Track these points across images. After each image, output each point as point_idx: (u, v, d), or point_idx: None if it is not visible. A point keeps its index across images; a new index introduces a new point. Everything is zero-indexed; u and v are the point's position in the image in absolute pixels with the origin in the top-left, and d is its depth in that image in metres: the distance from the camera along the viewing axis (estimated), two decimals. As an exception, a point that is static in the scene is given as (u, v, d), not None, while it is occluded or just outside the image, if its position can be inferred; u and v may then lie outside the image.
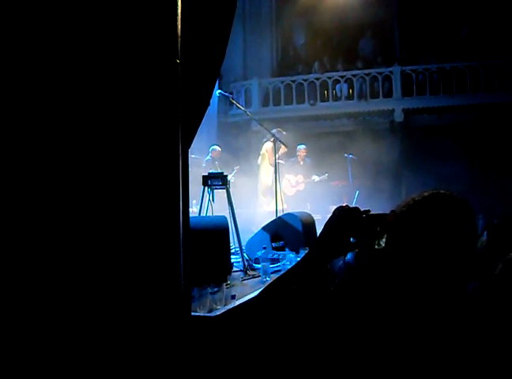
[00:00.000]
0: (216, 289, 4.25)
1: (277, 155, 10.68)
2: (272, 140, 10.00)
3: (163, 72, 2.33)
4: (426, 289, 1.66)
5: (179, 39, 2.40)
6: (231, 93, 12.05)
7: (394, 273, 1.74)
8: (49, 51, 2.20)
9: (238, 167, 12.33)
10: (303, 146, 13.64)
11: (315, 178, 13.28)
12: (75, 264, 2.31)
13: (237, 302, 4.30)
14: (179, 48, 2.40)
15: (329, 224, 1.97)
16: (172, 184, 2.40)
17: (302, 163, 13.49)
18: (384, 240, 1.84)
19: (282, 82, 18.50)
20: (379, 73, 17.77)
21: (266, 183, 11.99)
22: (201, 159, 12.20)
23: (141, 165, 2.31)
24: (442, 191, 1.75)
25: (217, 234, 5.35)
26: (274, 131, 10.82)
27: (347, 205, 1.96)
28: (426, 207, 1.71)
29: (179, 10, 2.41)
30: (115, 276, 2.36)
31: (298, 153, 13.51)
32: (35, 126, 2.27)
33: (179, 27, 2.40)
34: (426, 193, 1.75)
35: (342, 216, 1.93)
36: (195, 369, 3.03)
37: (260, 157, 12.38)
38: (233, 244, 6.32)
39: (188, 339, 2.67)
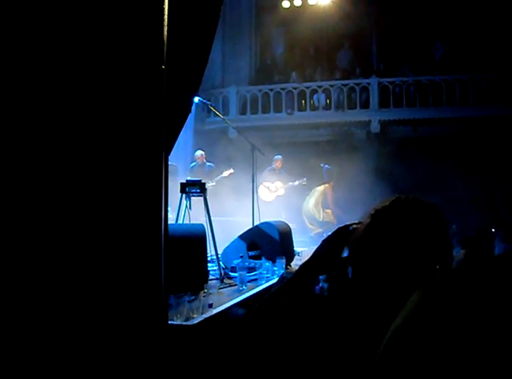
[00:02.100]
0: (193, 297, 4.22)
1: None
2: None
3: (148, 77, 2.31)
4: (396, 294, 1.65)
5: (165, 45, 2.38)
6: (209, 100, 12.01)
7: (365, 287, 1.72)
8: (34, 56, 2.16)
9: (231, 171, 12.38)
10: (279, 157, 13.73)
11: (295, 182, 13.38)
12: (54, 269, 2.27)
13: (214, 311, 4.27)
14: (165, 54, 2.38)
15: (326, 238, 1.97)
16: (155, 190, 2.37)
17: (277, 172, 13.61)
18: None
19: (260, 90, 18.52)
20: (357, 84, 17.87)
21: None
22: (177, 166, 12.13)
23: (124, 170, 2.28)
24: (402, 197, 1.74)
25: (194, 241, 5.33)
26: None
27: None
28: (389, 215, 1.69)
29: (166, 17, 2.38)
30: (94, 282, 2.32)
31: (274, 163, 13.60)
32: (11, 134, 2.23)
33: (165, 33, 2.38)
34: (387, 202, 1.73)
35: (337, 231, 1.92)
36: (172, 377, 3.00)
37: None
38: (209, 252, 6.29)
39: (165, 348, 2.64)
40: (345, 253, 1.93)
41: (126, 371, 2.37)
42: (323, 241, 2.01)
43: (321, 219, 13.43)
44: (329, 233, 2.01)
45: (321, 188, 13.87)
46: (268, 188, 13.39)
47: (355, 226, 1.92)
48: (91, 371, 2.33)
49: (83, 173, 2.24)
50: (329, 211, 13.75)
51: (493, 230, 14.68)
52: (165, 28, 2.40)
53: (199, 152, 13.00)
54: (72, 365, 2.30)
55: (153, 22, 2.34)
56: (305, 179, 13.49)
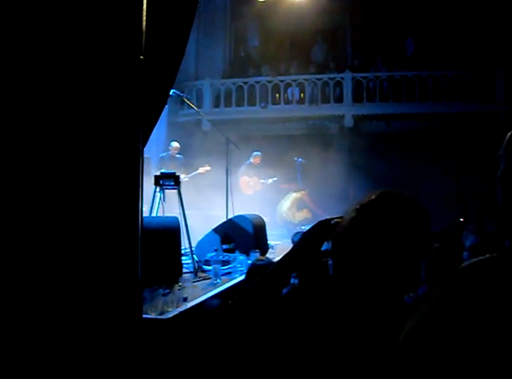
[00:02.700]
0: (167, 291, 4.19)
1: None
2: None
3: (126, 67, 2.27)
4: (378, 292, 1.65)
5: (143, 36, 2.35)
6: (183, 92, 11.92)
7: (347, 283, 1.72)
8: (13, 47, 2.12)
9: (207, 168, 12.33)
10: (258, 153, 13.73)
11: (268, 180, 13.43)
12: (27, 262, 2.23)
13: (189, 305, 4.26)
14: (143, 45, 2.34)
15: (307, 232, 1.96)
16: (132, 183, 2.35)
17: (255, 168, 13.64)
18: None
19: (234, 84, 18.45)
20: (331, 79, 17.89)
21: None
22: (150, 158, 12.03)
23: (100, 162, 2.25)
24: (387, 191, 1.73)
25: (169, 234, 5.31)
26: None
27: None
28: (374, 209, 1.69)
29: (144, 6, 2.35)
30: (69, 276, 2.29)
31: (252, 159, 13.58)
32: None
33: (144, 23, 2.35)
34: (373, 196, 1.72)
35: (318, 225, 1.91)
36: (147, 373, 2.98)
37: None
38: (183, 245, 6.26)
39: (139, 342, 2.61)
40: (325, 247, 1.92)
41: (101, 365, 2.35)
42: (303, 234, 2.00)
43: (295, 221, 13.51)
44: (309, 226, 2.00)
45: (297, 194, 13.98)
46: (248, 182, 13.42)
47: (336, 220, 1.91)
48: (64, 365, 2.30)
49: (57, 164, 2.21)
50: (304, 210, 13.83)
51: (461, 219, 14.91)
52: (144, 18, 2.37)
53: (175, 144, 12.89)
54: (44, 357, 2.27)
55: (132, 12, 2.31)
56: (275, 177, 13.51)
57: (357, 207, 1.75)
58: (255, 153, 13.70)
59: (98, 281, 2.31)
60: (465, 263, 1.44)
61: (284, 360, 1.73)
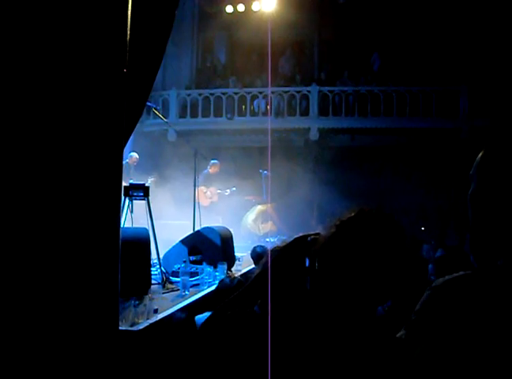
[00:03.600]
0: (137, 302, 4.16)
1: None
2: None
3: (110, 81, 2.27)
4: (354, 305, 1.67)
5: (127, 49, 2.35)
6: (149, 102, 11.87)
7: (325, 298, 1.74)
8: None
9: (153, 179, 12.17)
10: (215, 162, 13.61)
11: (226, 191, 13.34)
12: (5, 272, 2.21)
13: (159, 316, 4.24)
14: (127, 57, 2.35)
15: (283, 248, 1.96)
16: (113, 192, 2.34)
17: (212, 178, 13.50)
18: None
19: (200, 94, 18.46)
20: (297, 92, 18.02)
21: None
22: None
23: (83, 172, 2.24)
24: (366, 209, 1.76)
25: (139, 245, 5.28)
26: None
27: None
28: (354, 226, 1.72)
29: (129, 20, 2.36)
30: (47, 283, 2.27)
31: (209, 168, 13.44)
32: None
33: (128, 37, 2.35)
34: (352, 213, 1.75)
35: (295, 241, 1.92)
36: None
37: None
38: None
39: (114, 355, 2.60)
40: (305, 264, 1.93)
41: (77, 376, 2.33)
42: (281, 250, 2.00)
43: (260, 234, 13.50)
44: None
45: (262, 207, 13.97)
46: (205, 193, 13.28)
47: (313, 236, 1.93)
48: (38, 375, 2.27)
49: (39, 170, 2.19)
50: (269, 222, 13.84)
51: (422, 228, 15.07)
52: (128, 32, 2.38)
53: (134, 155, 12.82)
54: (18, 366, 2.24)
55: (116, 25, 2.31)
56: (234, 188, 13.47)
57: (337, 223, 1.78)
58: (212, 161, 13.53)
59: (75, 289, 2.29)
60: (441, 279, 1.48)
61: (263, 375, 1.74)
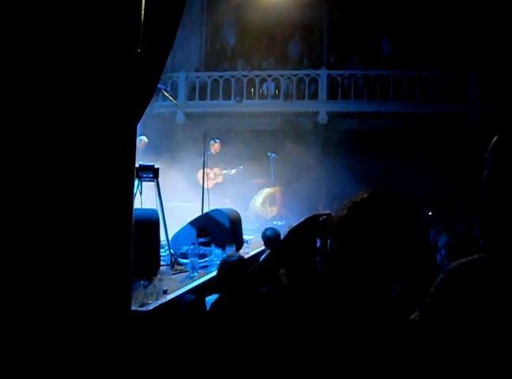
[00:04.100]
0: (147, 283, 4.18)
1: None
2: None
3: (124, 61, 2.27)
4: (367, 287, 1.67)
5: (142, 29, 2.35)
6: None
7: (338, 280, 1.73)
8: (12, 39, 2.10)
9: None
10: (216, 141, 13.43)
11: (232, 171, 13.22)
12: (20, 257, 2.22)
13: (168, 297, 4.25)
14: (141, 38, 2.35)
15: (295, 228, 1.95)
16: (126, 174, 2.35)
17: (215, 158, 13.36)
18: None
19: (209, 77, 18.41)
20: (306, 75, 17.95)
21: None
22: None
23: (96, 153, 2.25)
24: (379, 190, 1.75)
25: (148, 226, 5.29)
26: None
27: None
28: (367, 207, 1.71)
29: (143, 2, 2.36)
30: (58, 266, 2.29)
31: (211, 147, 13.26)
32: None
33: (142, 17, 2.35)
34: (364, 195, 1.74)
35: (307, 221, 1.91)
36: (131, 365, 2.98)
37: None
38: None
39: (127, 334, 2.62)
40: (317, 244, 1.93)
41: (91, 357, 2.35)
42: (291, 230, 2.00)
43: (268, 217, 13.44)
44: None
45: (270, 189, 13.92)
46: (208, 175, 13.14)
47: (324, 217, 1.92)
48: (53, 357, 2.30)
49: (55, 153, 2.20)
50: (276, 206, 13.79)
51: (430, 213, 15.02)
52: (142, 12, 2.37)
53: (143, 138, 12.71)
54: (35, 349, 2.27)
55: (131, 7, 2.31)
56: (241, 167, 13.36)
57: (349, 205, 1.77)
58: (213, 141, 13.39)
59: (88, 271, 2.31)
60: (456, 262, 1.48)
61: (274, 357, 1.74)
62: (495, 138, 1.45)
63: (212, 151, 13.27)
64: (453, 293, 1.31)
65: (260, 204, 13.66)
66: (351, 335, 1.65)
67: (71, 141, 2.20)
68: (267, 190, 13.92)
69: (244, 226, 8.67)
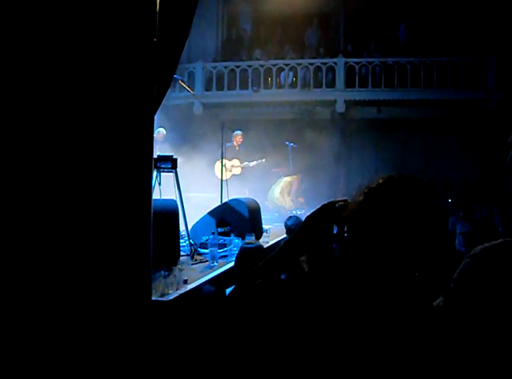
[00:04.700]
0: (167, 273, 4.18)
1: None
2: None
3: (140, 50, 2.27)
4: (391, 277, 1.65)
5: (157, 19, 2.34)
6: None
7: (355, 266, 1.72)
8: (31, 27, 2.11)
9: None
10: (239, 132, 13.43)
11: (252, 163, 13.15)
12: (44, 246, 2.24)
13: (189, 287, 4.26)
14: (157, 27, 2.34)
15: (311, 215, 1.93)
16: (144, 165, 2.35)
17: (238, 148, 13.33)
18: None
19: (226, 67, 18.41)
20: (323, 64, 17.88)
21: None
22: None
23: (116, 142, 2.25)
24: (395, 175, 1.73)
25: (168, 217, 5.30)
26: None
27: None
28: (384, 193, 1.68)
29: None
30: (79, 256, 2.30)
31: (233, 139, 13.26)
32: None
33: (158, 7, 2.34)
34: (380, 180, 1.72)
35: (323, 208, 1.90)
36: (152, 354, 2.99)
37: None
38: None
39: (147, 324, 2.63)
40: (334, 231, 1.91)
41: (112, 346, 2.36)
42: (308, 217, 1.99)
43: (287, 207, 13.37)
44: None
45: (288, 178, 13.86)
46: (224, 166, 13.06)
47: (341, 203, 1.90)
48: (76, 346, 2.31)
49: (75, 140, 2.21)
50: (295, 196, 13.76)
51: (450, 200, 14.93)
52: (157, 1, 2.36)
53: (161, 130, 12.69)
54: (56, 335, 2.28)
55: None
56: (264, 159, 13.30)
57: (365, 191, 1.75)
58: (236, 132, 13.31)
59: (108, 262, 2.31)
60: (480, 247, 1.46)
61: (293, 344, 1.73)
62: None
63: (235, 142, 13.25)
64: (479, 277, 1.30)
65: (279, 194, 13.61)
66: (370, 321, 1.63)
67: (89, 133, 2.20)
68: (285, 179, 13.87)
69: (264, 215, 8.66)
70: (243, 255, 4.40)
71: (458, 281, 1.37)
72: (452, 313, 1.28)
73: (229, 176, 12.88)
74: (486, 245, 1.36)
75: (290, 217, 7.25)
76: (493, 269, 1.27)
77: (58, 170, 2.25)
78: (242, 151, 13.38)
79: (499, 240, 1.37)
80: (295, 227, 6.74)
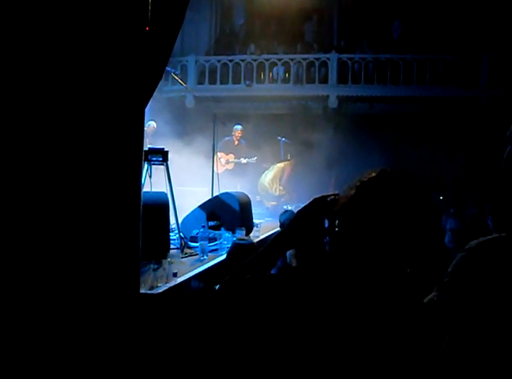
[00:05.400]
0: (156, 266, 4.16)
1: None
2: None
3: (132, 40, 2.24)
4: (382, 272, 1.64)
5: (150, 8, 2.31)
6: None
7: (346, 261, 1.70)
8: (21, 17, 2.08)
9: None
10: (239, 127, 13.43)
11: (243, 160, 13.12)
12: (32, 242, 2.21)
13: (178, 280, 4.25)
14: (149, 15, 2.31)
15: (303, 208, 1.92)
16: (134, 157, 2.33)
17: (236, 143, 13.34)
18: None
19: (219, 61, 18.36)
20: (316, 59, 17.86)
21: None
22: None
23: (105, 135, 2.22)
24: (387, 169, 1.71)
25: (158, 209, 5.28)
26: None
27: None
28: (376, 186, 1.67)
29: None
30: (68, 249, 2.27)
31: (233, 133, 13.30)
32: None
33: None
34: (373, 173, 1.70)
35: (314, 202, 1.88)
36: (140, 348, 2.97)
37: None
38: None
39: (135, 316, 2.61)
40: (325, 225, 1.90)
41: (99, 339, 2.34)
42: (299, 211, 1.97)
43: (276, 194, 13.37)
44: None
45: (281, 164, 13.84)
46: (219, 159, 13.05)
47: (332, 197, 1.89)
48: (63, 340, 2.29)
49: (66, 133, 2.18)
50: (285, 185, 13.75)
51: (441, 197, 14.96)
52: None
53: (151, 124, 12.64)
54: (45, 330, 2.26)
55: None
56: (255, 158, 13.26)
57: (357, 184, 1.73)
58: (236, 127, 13.33)
59: (96, 254, 2.29)
60: (475, 241, 1.44)
61: (283, 339, 1.72)
62: None
63: (234, 137, 13.23)
64: (474, 271, 1.29)
65: (270, 180, 13.55)
66: (361, 316, 1.62)
67: (78, 125, 2.17)
68: (278, 165, 13.79)
69: (254, 209, 8.66)
70: (236, 250, 4.40)
71: (453, 275, 1.36)
72: (447, 307, 1.27)
73: (222, 170, 12.86)
74: (481, 239, 1.35)
75: (285, 211, 7.24)
76: (488, 263, 1.26)
77: (46, 162, 2.22)
78: (242, 145, 13.36)
79: (494, 235, 1.36)
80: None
